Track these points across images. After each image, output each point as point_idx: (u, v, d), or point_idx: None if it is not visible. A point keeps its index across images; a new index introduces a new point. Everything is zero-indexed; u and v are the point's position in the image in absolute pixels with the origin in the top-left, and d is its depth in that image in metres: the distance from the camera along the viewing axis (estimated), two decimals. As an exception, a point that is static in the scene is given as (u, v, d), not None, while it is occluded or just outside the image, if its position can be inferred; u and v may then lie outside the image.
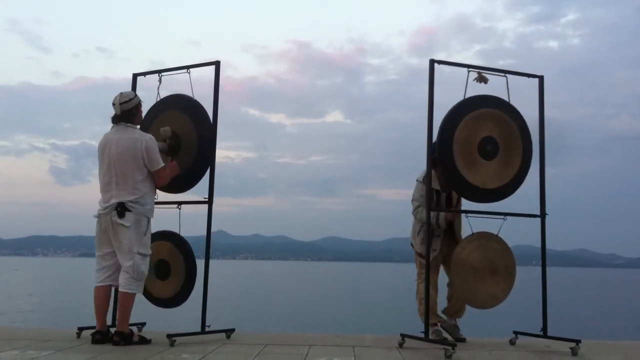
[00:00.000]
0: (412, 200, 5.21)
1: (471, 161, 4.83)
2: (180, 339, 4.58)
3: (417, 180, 5.24)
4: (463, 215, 5.14)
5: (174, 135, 4.94)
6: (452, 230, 5.20)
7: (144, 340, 4.56)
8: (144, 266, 4.56)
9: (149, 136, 4.67)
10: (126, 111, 4.65)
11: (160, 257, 4.94)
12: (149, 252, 4.65)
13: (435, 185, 5.04)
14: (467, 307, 5.14)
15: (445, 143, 4.77)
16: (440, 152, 4.77)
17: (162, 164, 4.65)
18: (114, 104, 4.68)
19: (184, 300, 5.00)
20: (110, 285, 4.66)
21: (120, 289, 4.52)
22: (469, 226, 5.12)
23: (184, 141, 4.98)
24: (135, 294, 4.55)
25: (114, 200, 4.50)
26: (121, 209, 4.47)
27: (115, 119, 4.69)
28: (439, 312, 5.18)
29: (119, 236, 4.51)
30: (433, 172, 4.92)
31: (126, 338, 4.46)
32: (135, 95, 4.79)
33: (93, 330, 4.63)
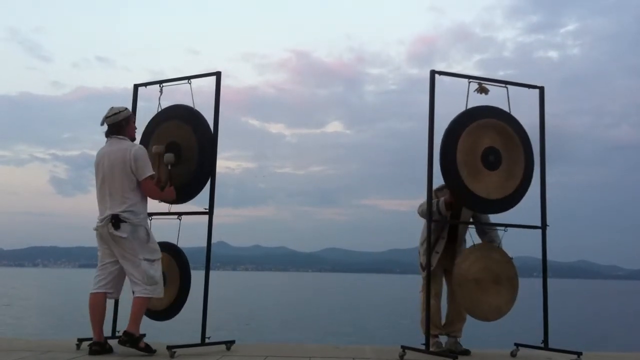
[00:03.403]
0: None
1: (475, 171, 4.84)
2: (180, 351, 4.57)
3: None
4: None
5: (174, 150, 4.96)
6: (454, 245, 5.17)
7: (149, 349, 4.54)
8: (153, 270, 4.56)
9: (137, 145, 4.71)
10: (114, 124, 4.69)
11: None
12: (157, 256, 4.65)
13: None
14: (469, 318, 5.11)
15: (449, 153, 4.77)
16: (444, 162, 4.77)
17: (151, 173, 4.64)
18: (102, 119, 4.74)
19: (175, 313, 4.99)
20: (105, 293, 4.64)
21: (135, 295, 4.53)
22: (470, 238, 5.14)
23: (185, 152, 4.98)
24: (148, 299, 4.56)
25: (108, 212, 4.53)
26: (115, 221, 4.48)
27: (106, 133, 4.74)
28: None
29: (121, 247, 4.52)
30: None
31: (133, 340, 4.46)
32: (126, 109, 4.82)
33: (91, 342, 4.61)
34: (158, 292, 4.61)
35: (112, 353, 4.53)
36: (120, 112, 4.73)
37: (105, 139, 4.75)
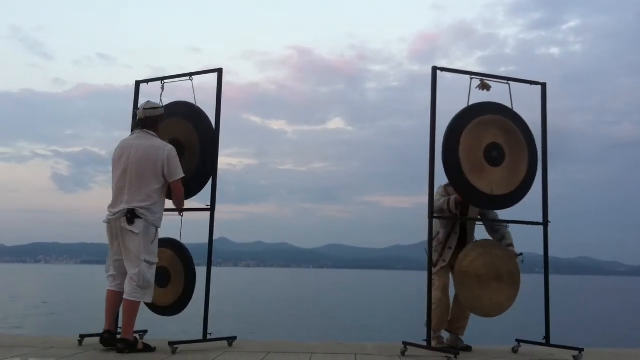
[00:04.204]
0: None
1: (478, 167, 4.82)
2: (181, 347, 4.57)
3: (441, 186, 5.21)
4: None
5: (175, 145, 4.97)
6: (465, 241, 5.18)
7: (148, 348, 4.53)
8: (150, 274, 4.53)
9: (170, 146, 4.67)
10: (150, 118, 4.69)
11: (161, 265, 4.93)
12: (156, 260, 4.62)
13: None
14: (471, 314, 5.12)
15: (452, 149, 4.77)
16: (446, 158, 4.77)
17: (182, 175, 4.65)
18: (139, 109, 4.75)
19: (182, 308, 4.99)
20: (121, 292, 4.63)
21: (125, 297, 4.49)
22: (476, 235, 5.14)
23: (187, 148, 4.99)
24: (139, 302, 4.54)
25: (124, 206, 4.48)
26: (131, 216, 4.45)
27: (138, 124, 4.71)
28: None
29: (127, 243, 4.49)
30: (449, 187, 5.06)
31: (131, 346, 4.43)
32: (162, 107, 4.85)
33: (102, 331, 4.60)
34: (147, 297, 4.57)
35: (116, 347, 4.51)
36: (158, 107, 4.77)
37: (132, 130, 4.73)
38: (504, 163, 4.91)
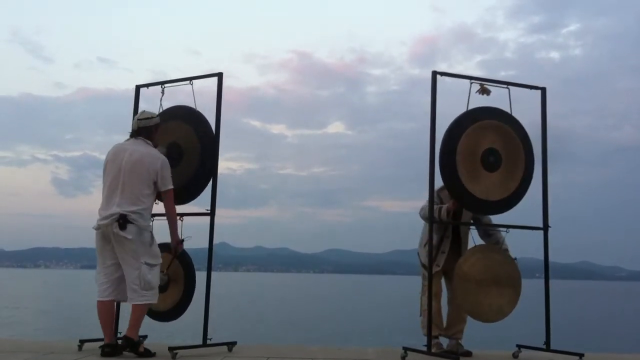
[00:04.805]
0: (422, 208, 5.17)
1: (474, 172, 4.82)
2: (181, 352, 4.56)
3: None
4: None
5: (174, 148, 4.97)
6: (458, 245, 5.18)
7: (148, 353, 4.52)
8: (151, 275, 4.51)
9: (164, 157, 4.71)
10: (144, 128, 4.72)
11: (160, 270, 4.91)
12: (158, 261, 4.61)
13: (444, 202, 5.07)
14: (471, 320, 5.11)
15: (448, 154, 4.77)
16: (443, 163, 4.77)
17: (172, 186, 4.67)
18: (134, 120, 4.78)
19: (180, 314, 4.99)
20: (113, 300, 4.62)
21: (132, 303, 4.47)
22: (471, 239, 5.13)
23: (186, 152, 4.99)
24: (147, 305, 4.53)
25: (116, 209, 4.46)
26: (123, 221, 4.44)
27: (134, 134, 4.74)
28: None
29: (124, 248, 4.47)
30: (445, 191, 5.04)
31: (133, 345, 4.43)
32: (158, 116, 4.87)
33: (101, 343, 4.57)
34: (154, 298, 4.57)
35: (121, 355, 4.49)
36: (152, 117, 4.79)
37: (128, 138, 4.75)
38: (500, 168, 4.91)
